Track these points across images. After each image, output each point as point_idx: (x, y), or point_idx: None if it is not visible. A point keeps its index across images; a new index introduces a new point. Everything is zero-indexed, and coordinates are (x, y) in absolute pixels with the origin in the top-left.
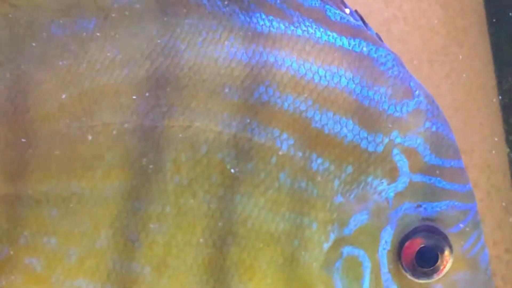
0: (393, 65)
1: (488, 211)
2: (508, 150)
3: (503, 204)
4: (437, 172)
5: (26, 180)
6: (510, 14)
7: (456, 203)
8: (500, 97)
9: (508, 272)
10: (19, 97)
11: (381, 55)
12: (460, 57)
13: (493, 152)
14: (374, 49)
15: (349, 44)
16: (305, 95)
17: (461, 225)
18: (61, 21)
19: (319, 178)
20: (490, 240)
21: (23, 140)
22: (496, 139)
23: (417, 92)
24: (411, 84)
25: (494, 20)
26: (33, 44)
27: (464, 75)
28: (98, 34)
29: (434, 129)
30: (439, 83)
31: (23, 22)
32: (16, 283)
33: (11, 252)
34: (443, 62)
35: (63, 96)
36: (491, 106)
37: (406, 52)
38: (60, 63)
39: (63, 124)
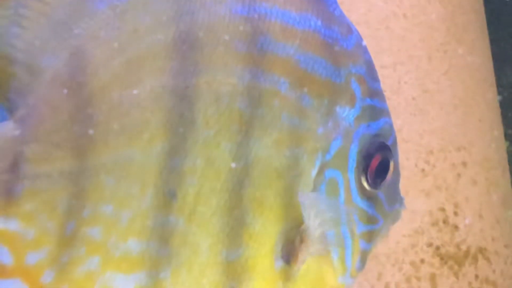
0: (336, 6)
1: (487, 206)
2: (507, 143)
3: (502, 199)
4: (375, 95)
5: (89, 154)
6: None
7: (387, 120)
8: (499, 93)
9: (508, 268)
10: (78, 72)
11: None
12: (460, 53)
13: (492, 146)
14: None
15: None
16: (292, 40)
17: (392, 138)
18: None
19: (307, 113)
20: (489, 235)
21: (86, 115)
22: (495, 133)
23: (353, 28)
24: (348, 21)
25: (493, 17)
26: (83, 21)
27: (463, 71)
28: (132, 2)
29: (367, 58)
30: (438, 80)
31: (73, 1)
32: (79, 255)
33: (77, 226)
34: (443, 59)
35: (114, 66)
36: (490, 102)
37: (406, 48)
38: (107, 34)
39: (116, 93)
